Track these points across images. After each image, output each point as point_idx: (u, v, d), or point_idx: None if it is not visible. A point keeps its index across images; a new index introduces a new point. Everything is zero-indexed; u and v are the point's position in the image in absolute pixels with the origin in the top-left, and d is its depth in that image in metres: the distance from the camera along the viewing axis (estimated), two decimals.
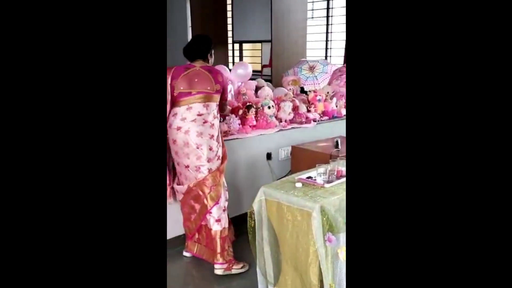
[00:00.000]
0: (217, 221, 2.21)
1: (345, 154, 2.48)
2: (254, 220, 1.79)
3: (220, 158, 2.26)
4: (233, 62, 6.73)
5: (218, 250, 2.19)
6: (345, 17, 6.60)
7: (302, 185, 1.78)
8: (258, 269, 1.85)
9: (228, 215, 2.31)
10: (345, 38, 5.77)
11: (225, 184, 2.31)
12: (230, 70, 3.68)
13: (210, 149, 2.18)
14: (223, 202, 2.25)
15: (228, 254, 2.22)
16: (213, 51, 2.33)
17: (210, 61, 2.32)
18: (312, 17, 6.89)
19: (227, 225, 2.26)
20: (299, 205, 1.64)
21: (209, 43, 2.33)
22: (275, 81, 5.03)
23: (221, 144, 2.28)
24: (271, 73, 5.51)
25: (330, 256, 1.61)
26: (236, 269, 2.21)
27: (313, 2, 6.65)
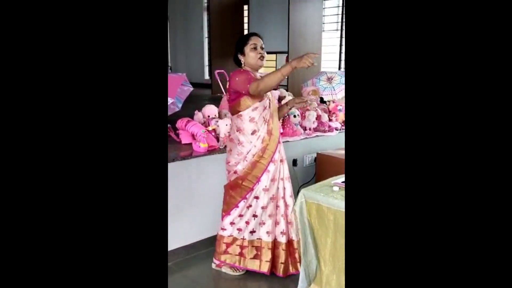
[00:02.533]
0: (222, 229, 2.27)
1: None
2: (297, 222, 1.90)
3: (238, 172, 2.16)
4: None
5: (217, 250, 2.30)
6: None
7: (339, 189, 1.89)
8: (302, 268, 1.93)
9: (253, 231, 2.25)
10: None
11: (254, 204, 2.19)
12: None
13: (227, 162, 2.23)
14: (235, 218, 2.22)
15: (225, 259, 2.28)
16: (245, 49, 2.11)
17: (243, 61, 2.14)
18: (323, 30, 7.07)
19: (237, 236, 2.24)
20: (340, 207, 1.75)
21: (237, 43, 2.17)
22: (291, 90, 5.17)
23: (247, 159, 2.14)
24: (287, 83, 5.66)
25: None
26: (227, 269, 2.32)
27: (324, 16, 6.83)
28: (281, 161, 2.24)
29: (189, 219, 2.47)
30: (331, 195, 1.82)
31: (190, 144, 2.61)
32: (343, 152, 2.93)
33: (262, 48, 2.13)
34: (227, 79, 3.70)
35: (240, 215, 2.22)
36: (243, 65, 2.16)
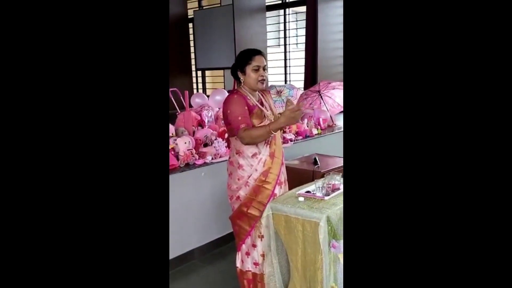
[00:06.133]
0: (241, 261, 2.13)
1: (327, 169, 2.72)
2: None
3: (241, 198, 2.02)
4: (197, 89, 6.89)
5: None
6: (297, 45, 7.09)
7: (304, 199, 1.96)
8: (266, 279, 1.98)
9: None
10: (303, 64, 6.21)
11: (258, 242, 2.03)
12: (208, 96, 3.83)
13: (228, 187, 2.10)
14: (250, 247, 2.07)
15: None
16: (246, 68, 1.95)
17: (242, 80, 1.98)
18: (268, 46, 7.31)
19: (255, 271, 2.07)
20: (307, 216, 1.81)
21: (238, 58, 2.00)
22: None
23: (249, 184, 2.00)
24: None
25: (333, 260, 1.80)
26: None
27: (267, 32, 7.08)
28: (284, 182, 2.13)
29: None
30: (298, 205, 1.89)
31: None
32: (298, 162, 3.04)
33: (264, 69, 1.98)
34: (180, 96, 3.70)
35: (254, 245, 2.06)
36: (242, 83, 2.00)
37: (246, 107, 1.95)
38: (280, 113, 2.18)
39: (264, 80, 2.00)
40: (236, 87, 2.08)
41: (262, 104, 2.06)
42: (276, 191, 2.05)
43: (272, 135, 1.91)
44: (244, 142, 1.94)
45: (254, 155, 2.00)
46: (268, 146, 2.02)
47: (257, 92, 2.06)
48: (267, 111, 2.07)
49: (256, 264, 2.08)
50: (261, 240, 2.04)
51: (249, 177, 2.00)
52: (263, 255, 2.05)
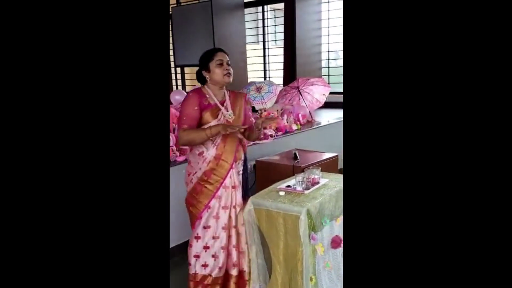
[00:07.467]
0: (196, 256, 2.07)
1: (307, 164, 2.76)
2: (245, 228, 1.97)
3: (187, 194, 2.06)
4: (176, 86, 6.84)
5: None
6: (275, 42, 7.10)
7: (285, 193, 2.00)
8: (250, 271, 2.01)
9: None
10: (282, 61, 6.25)
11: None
12: (187, 93, 3.82)
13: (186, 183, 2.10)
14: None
15: None
16: (210, 65, 1.98)
17: (208, 78, 2.00)
18: (247, 42, 7.31)
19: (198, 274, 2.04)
20: (288, 210, 1.85)
21: (201, 58, 2.03)
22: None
23: (192, 181, 2.03)
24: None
25: (311, 252, 1.85)
26: None
27: (246, 29, 7.09)
28: (234, 187, 2.05)
29: None
30: (279, 200, 1.92)
31: None
32: (278, 157, 3.08)
33: (228, 64, 1.99)
34: None
35: (197, 237, 2.04)
36: (208, 81, 2.00)
37: (197, 107, 1.94)
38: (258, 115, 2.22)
39: (230, 74, 1.99)
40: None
41: (223, 104, 2.02)
42: (220, 193, 2.01)
43: (209, 138, 1.92)
44: (180, 142, 1.99)
45: (200, 153, 2.00)
46: (215, 147, 1.99)
47: (224, 91, 2.05)
48: (227, 111, 2.01)
49: (205, 266, 2.02)
50: (197, 241, 2.02)
51: (194, 174, 2.02)
52: (196, 256, 2.02)
